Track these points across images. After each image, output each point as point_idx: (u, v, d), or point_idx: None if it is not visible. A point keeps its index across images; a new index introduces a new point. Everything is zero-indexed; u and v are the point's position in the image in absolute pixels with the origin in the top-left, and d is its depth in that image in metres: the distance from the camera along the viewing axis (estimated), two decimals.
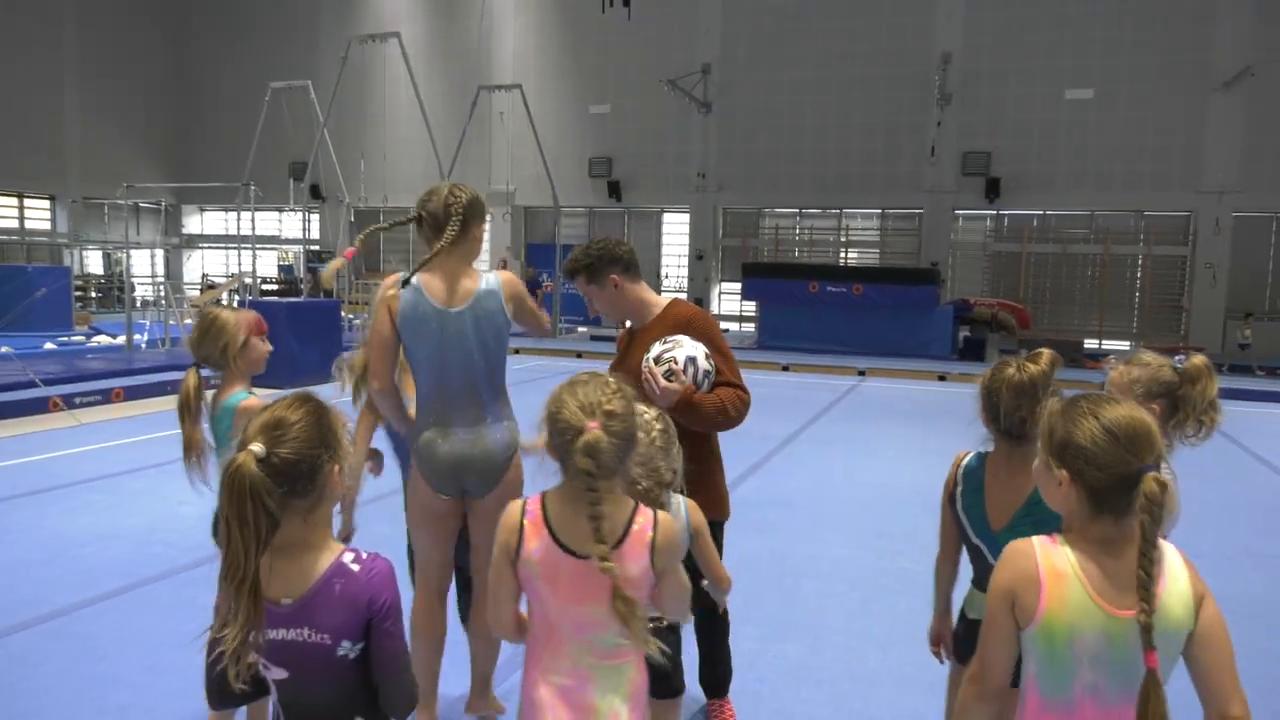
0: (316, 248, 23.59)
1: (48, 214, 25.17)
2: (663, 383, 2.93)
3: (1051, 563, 1.61)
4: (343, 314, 15.59)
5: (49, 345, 14.43)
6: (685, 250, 22.23)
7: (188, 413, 2.80)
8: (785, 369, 14.90)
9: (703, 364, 3.00)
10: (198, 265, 28.69)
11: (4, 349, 12.63)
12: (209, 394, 2.95)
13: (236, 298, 20.28)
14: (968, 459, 2.40)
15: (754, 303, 18.80)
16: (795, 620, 4.46)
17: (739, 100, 20.93)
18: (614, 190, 22.12)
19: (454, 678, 3.36)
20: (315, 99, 16.22)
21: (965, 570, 2.60)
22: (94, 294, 25.34)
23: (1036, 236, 19.74)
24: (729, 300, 21.91)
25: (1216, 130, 17.84)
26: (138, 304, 19.99)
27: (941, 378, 14.18)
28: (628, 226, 23.17)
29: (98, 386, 10.69)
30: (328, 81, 17.31)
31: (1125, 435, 1.59)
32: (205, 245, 28.67)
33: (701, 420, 3.01)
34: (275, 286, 24.33)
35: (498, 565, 1.94)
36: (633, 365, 3.10)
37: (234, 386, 2.93)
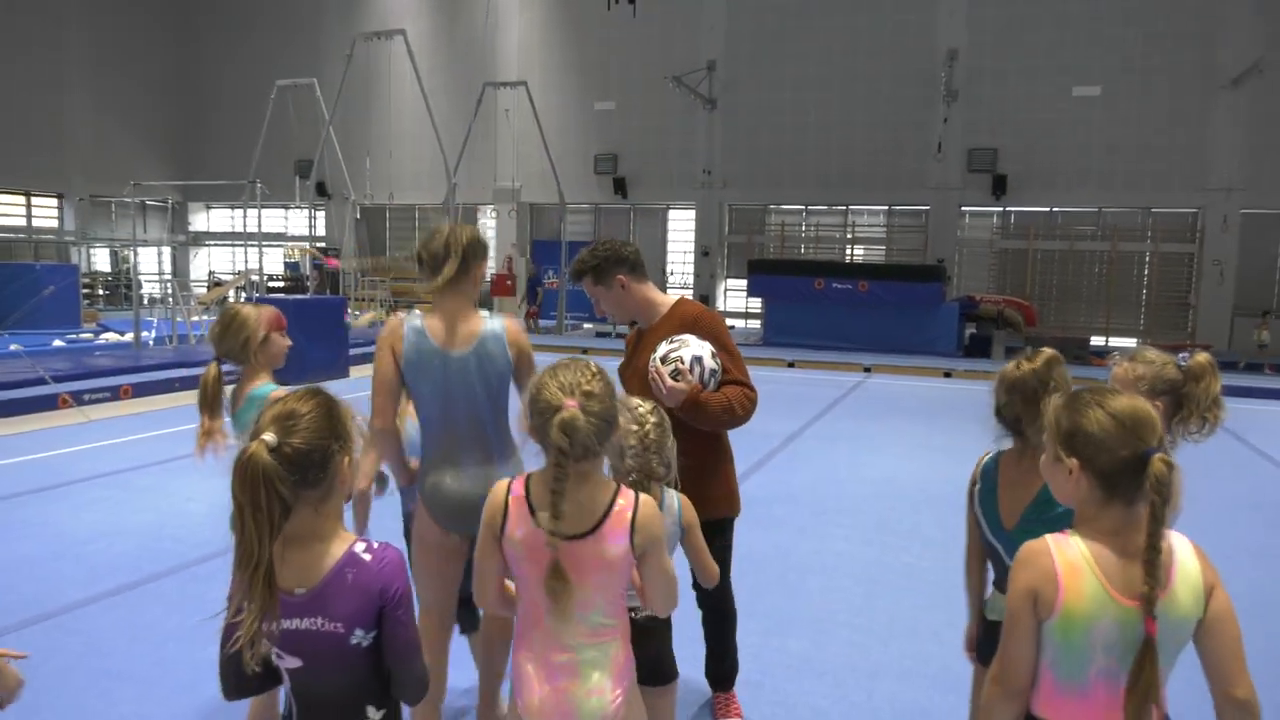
0: (322, 244, 23.64)
1: (55, 212, 25.28)
2: (669, 382, 2.94)
3: (1066, 558, 1.65)
4: (349, 310, 15.63)
5: (57, 342, 14.50)
6: (691, 247, 22.23)
7: (206, 403, 2.89)
8: (791, 365, 14.90)
9: (709, 363, 3.01)
10: (204, 263, 28.77)
11: (13, 346, 12.70)
12: (229, 389, 3.01)
13: (243, 295, 20.35)
14: (987, 458, 2.41)
15: (759, 299, 18.78)
16: (799, 614, 4.48)
17: (744, 97, 20.91)
18: (619, 187, 22.13)
19: (456, 675, 3.38)
20: (321, 96, 16.25)
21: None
22: (101, 291, 25.43)
23: (1043, 233, 19.70)
24: (734, 297, 21.90)
25: (1224, 127, 17.77)
26: (145, 301, 20.04)
27: (947, 375, 14.17)
28: (633, 223, 23.18)
29: (106, 383, 10.74)
30: (333, 79, 17.34)
31: (1130, 420, 1.66)
32: (212, 243, 28.76)
33: (708, 419, 3.02)
34: (281, 283, 24.41)
35: (483, 543, 2.01)
36: (641, 365, 3.12)
37: (258, 379, 2.99)
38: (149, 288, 24.42)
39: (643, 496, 2.00)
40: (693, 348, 3.01)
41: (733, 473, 3.32)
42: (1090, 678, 1.66)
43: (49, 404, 9.65)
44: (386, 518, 3.49)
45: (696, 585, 3.30)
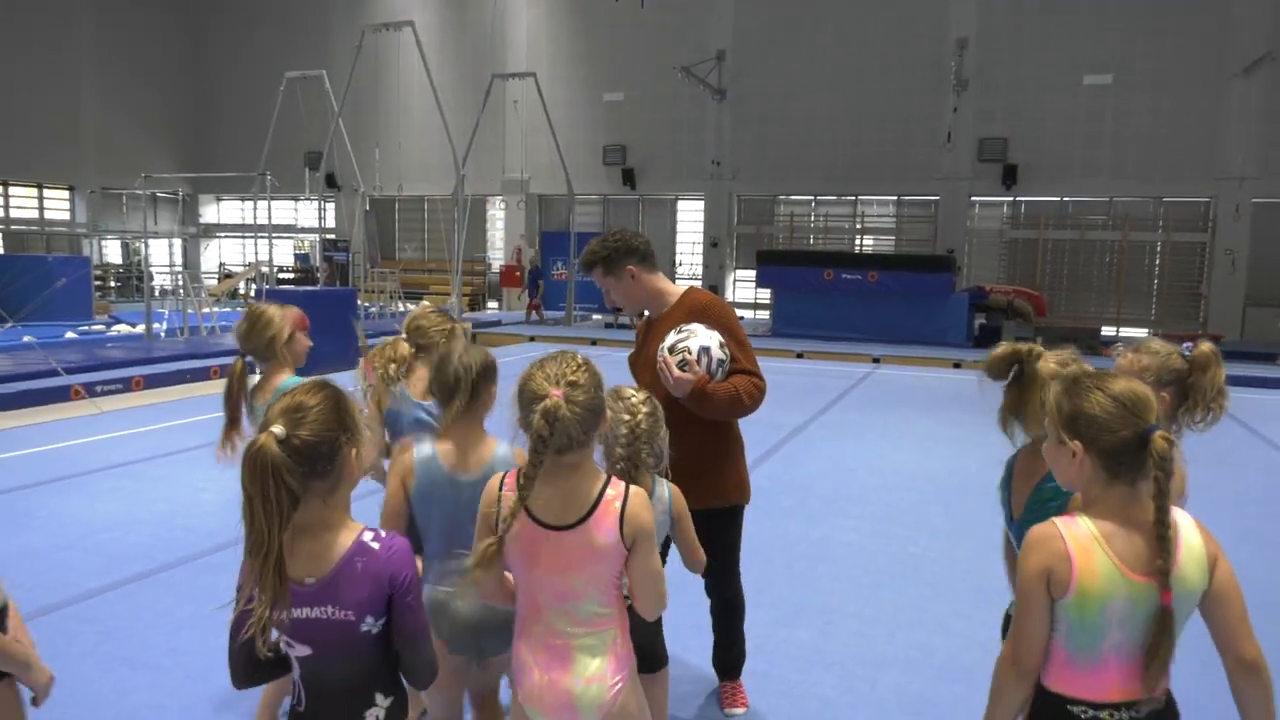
0: (332, 236, 23.70)
1: (67, 204, 25.40)
2: (676, 372, 2.95)
3: (1076, 537, 1.70)
4: (358, 303, 15.67)
5: (70, 334, 14.60)
6: (700, 238, 22.21)
7: (231, 399, 2.96)
8: (800, 356, 14.89)
9: (716, 352, 3.02)
10: (215, 254, 28.89)
11: (26, 338, 12.79)
12: (253, 383, 3.08)
13: (254, 286, 20.44)
14: (1016, 450, 2.43)
15: (768, 290, 18.75)
16: (806, 604, 4.49)
17: (753, 87, 20.85)
18: (628, 178, 22.11)
19: None
20: (330, 88, 16.28)
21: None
22: (113, 283, 25.58)
23: (1054, 223, 19.60)
24: (744, 288, 21.88)
25: (1236, 116, 17.63)
26: (156, 293, 20.16)
27: (957, 365, 14.14)
28: (642, 214, 23.16)
29: (118, 375, 10.83)
30: (342, 71, 17.36)
31: (1130, 401, 1.71)
32: (222, 234, 28.87)
33: (716, 408, 3.03)
34: (291, 275, 24.50)
35: (480, 535, 2.05)
36: (650, 354, 3.13)
37: (282, 374, 3.05)
38: (160, 279, 24.56)
39: (633, 488, 2.02)
40: (700, 337, 3.02)
41: (743, 461, 3.34)
42: (1103, 651, 1.71)
43: (62, 395, 9.73)
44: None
45: (707, 575, 3.32)
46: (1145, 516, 1.68)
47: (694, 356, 2.97)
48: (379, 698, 1.81)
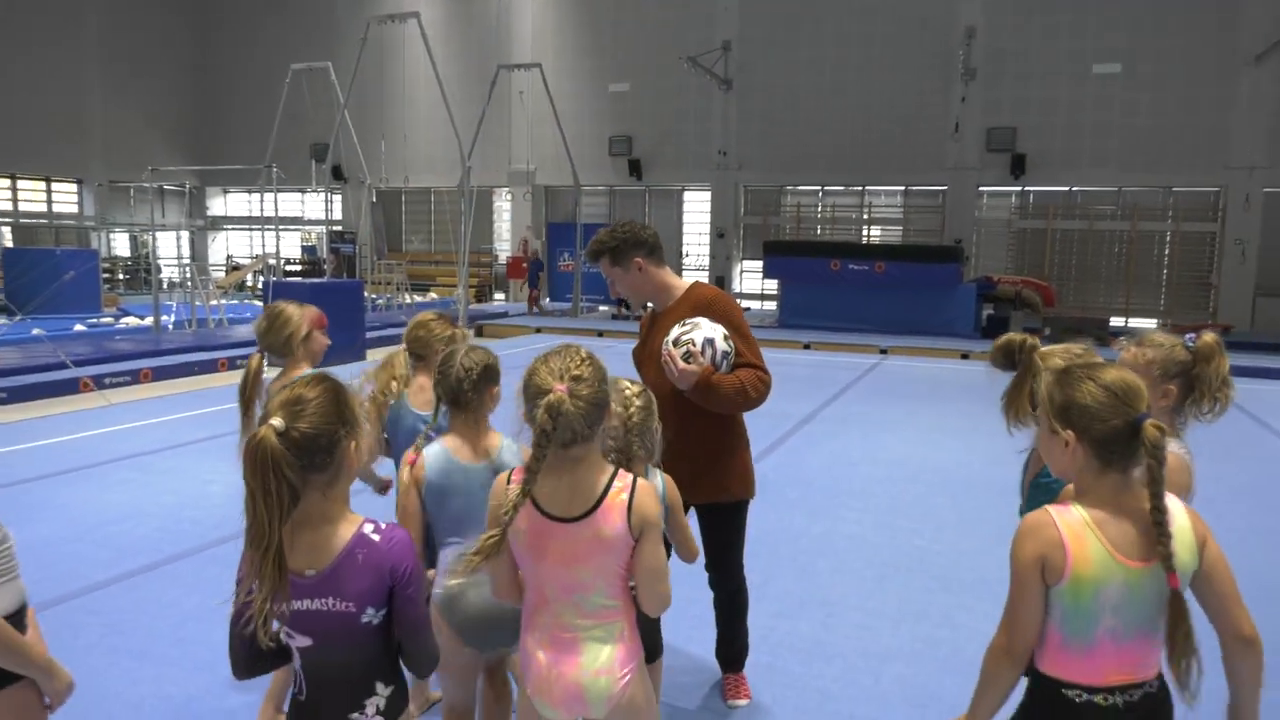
0: (339, 228, 23.73)
1: (75, 197, 25.47)
2: (681, 364, 2.95)
3: (1070, 525, 1.73)
4: (365, 294, 15.69)
5: (78, 327, 14.65)
6: (706, 228, 22.16)
7: (246, 394, 2.98)
8: (806, 347, 14.87)
9: (721, 345, 3.02)
10: (222, 247, 28.95)
11: (35, 331, 12.85)
12: (269, 377, 3.07)
13: (261, 278, 20.49)
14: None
15: (775, 281, 18.69)
16: (810, 596, 4.50)
17: (760, 77, 20.77)
18: (634, 169, 22.06)
19: None
20: (335, 80, 16.27)
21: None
22: (121, 276, 25.67)
23: (1062, 213, 19.51)
24: (750, 278, 21.83)
25: (1246, 105, 17.50)
26: (164, 285, 20.21)
27: (964, 356, 14.10)
28: (648, 205, 23.12)
29: (126, 367, 10.87)
30: (348, 63, 17.34)
31: (1121, 390, 1.74)
32: (229, 227, 28.92)
33: (720, 401, 3.03)
34: (299, 267, 24.54)
35: (490, 528, 2.04)
36: (655, 347, 3.13)
37: (299, 370, 3.07)
38: (168, 272, 24.63)
39: (640, 480, 2.04)
40: (704, 330, 3.02)
41: (749, 456, 3.33)
42: (1097, 636, 1.73)
43: (70, 388, 9.78)
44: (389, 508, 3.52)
45: (710, 568, 3.32)
46: (1137, 504, 1.71)
47: (698, 348, 2.97)
48: (380, 687, 1.83)
